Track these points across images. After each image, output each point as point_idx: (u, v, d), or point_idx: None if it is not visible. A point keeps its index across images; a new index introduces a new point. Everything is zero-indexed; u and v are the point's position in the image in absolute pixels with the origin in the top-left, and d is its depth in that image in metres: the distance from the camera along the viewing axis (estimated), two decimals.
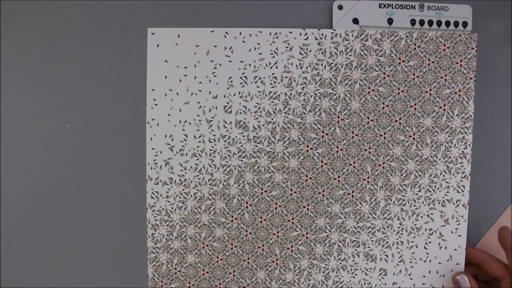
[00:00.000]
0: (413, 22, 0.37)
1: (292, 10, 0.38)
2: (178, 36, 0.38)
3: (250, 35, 0.37)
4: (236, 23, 0.38)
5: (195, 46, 0.37)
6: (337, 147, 0.38)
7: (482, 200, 0.38)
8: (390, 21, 0.37)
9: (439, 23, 0.37)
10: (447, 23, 0.37)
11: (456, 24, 0.37)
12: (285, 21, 0.38)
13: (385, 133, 0.37)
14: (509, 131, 0.38)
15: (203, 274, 0.39)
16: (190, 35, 0.37)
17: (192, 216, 0.39)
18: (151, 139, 0.38)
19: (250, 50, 0.37)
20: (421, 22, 0.37)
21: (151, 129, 0.38)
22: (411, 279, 0.39)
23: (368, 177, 0.38)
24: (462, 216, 0.38)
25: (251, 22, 0.38)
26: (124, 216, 0.39)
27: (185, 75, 0.38)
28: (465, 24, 0.37)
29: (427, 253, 0.38)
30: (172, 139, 0.38)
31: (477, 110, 0.38)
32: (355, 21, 0.37)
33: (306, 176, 0.38)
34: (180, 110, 0.38)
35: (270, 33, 0.37)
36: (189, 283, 0.39)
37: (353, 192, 0.38)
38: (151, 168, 0.38)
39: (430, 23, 0.37)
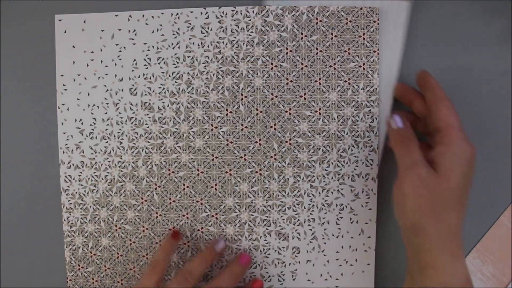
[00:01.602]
0: None
1: None
2: (84, 22, 0.38)
3: (153, 17, 0.38)
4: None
5: (101, 31, 0.38)
6: (242, 125, 0.37)
7: (482, 200, 0.38)
8: None
9: None
10: None
11: None
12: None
13: (290, 109, 0.37)
14: (509, 131, 0.37)
15: (118, 257, 0.39)
16: (96, 20, 0.38)
17: (104, 199, 0.39)
18: (62, 123, 0.39)
19: (153, 32, 0.38)
20: None
21: (61, 114, 0.39)
22: (324, 255, 0.38)
23: (275, 155, 0.37)
24: (372, 190, 0.37)
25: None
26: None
27: (92, 60, 0.38)
28: None
29: (339, 229, 0.38)
30: (82, 123, 0.39)
31: (477, 110, 0.38)
32: None
33: (212, 155, 0.38)
34: (89, 94, 0.38)
35: (172, 14, 0.37)
36: (105, 266, 0.39)
37: (260, 170, 0.38)
38: (63, 152, 0.39)
39: None
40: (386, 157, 0.38)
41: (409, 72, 0.37)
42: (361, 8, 0.36)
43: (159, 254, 0.36)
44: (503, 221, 0.38)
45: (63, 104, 0.39)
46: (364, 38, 0.37)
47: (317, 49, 0.37)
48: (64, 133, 0.39)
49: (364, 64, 0.37)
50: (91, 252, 0.39)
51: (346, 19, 0.37)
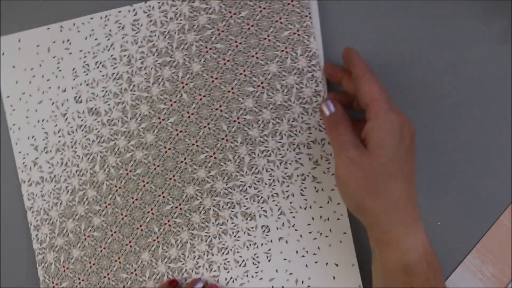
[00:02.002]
0: None
1: None
2: (19, 40, 0.39)
3: (83, 23, 0.38)
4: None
5: (36, 46, 0.39)
6: (188, 112, 0.37)
7: (482, 200, 0.37)
8: None
9: None
10: None
11: None
12: None
13: (232, 88, 0.37)
14: (509, 131, 0.37)
15: (91, 267, 0.39)
16: (29, 37, 0.39)
17: (68, 210, 0.39)
18: (16, 143, 0.39)
19: (86, 38, 0.38)
20: None
21: (14, 134, 0.39)
22: (296, 230, 0.37)
23: (226, 136, 0.37)
24: (331, 154, 0.37)
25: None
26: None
27: (33, 76, 0.39)
28: None
29: (305, 200, 0.37)
30: (35, 140, 0.39)
31: (477, 110, 0.38)
32: None
33: (165, 147, 0.38)
34: (36, 110, 0.39)
35: (101, 17, 0.38)
36: (79, 279, 0.39)
37: (214, 153, 0.37)
38: (22, 171, 0.39)
39: None
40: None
41: (409, 73, 0.37)
42: None
43: None
44: (503, 221, 0.37)
45: (14, 124, 0.39)
46: (293, 5, 0.36)
47: (248, 24, 0.37)
48: (19, 152, 0.39)
49: (298, 30, 0.36)
50: (63, 267, 0.39)
51: None
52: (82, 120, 0.38)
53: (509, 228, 0.37)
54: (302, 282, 0.37)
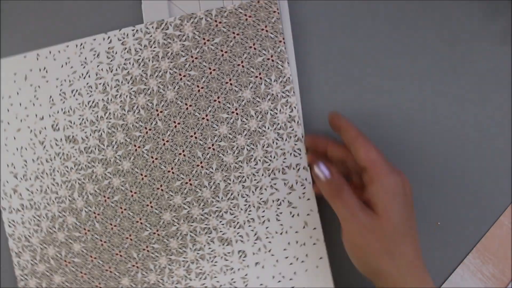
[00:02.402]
0: None
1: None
2: None
3: (59, 51, 0.38)
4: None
5: (13, 74, 0.39)
6: (163, 139, 0.37)
7: (482, 200, 0.38)
8: None
9: None
10: None
11: None
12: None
13: (207, 115, 0.37)
14: (509, 131, 0.37)
15: None
16: (6, 64, 0.39)
17: (49, 237, 0.39)
18: None
19: (62, 66, 0.38)
20: None
21: None
22: (272, 255, 0.37)
23: (201, 162, 0.37)
24: (306, 179, 0.37)
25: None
26: None
27: (11, 104, 0.39)
28: None
29: (281, 225, 0.37)
30: (14, 167, 0.39)
31: (477, 110, 0.38)
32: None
33: (141, 174, 0.38)
34: (15, 138, 0.39)
35: (77, 45, 0.38)
36: None
37: (190, 180, 0.38)
38: (2, 198, 0.40)
39: None
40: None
41: (410, 73, 0.37)
42: (258, 1, 0.36)
43: None
44: (503, 221, 0.37)
45: None
46: (267, 30, 0.36)
47: (221, 50, 0.37)
48: None
49: (272, 56, 0.36)
50: None
51: (245, 15, 0.36)
52: (60, 147, 0.39)
53: (509, 228, 0.37)
54: None
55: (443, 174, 0.37)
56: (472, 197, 0.37)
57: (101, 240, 0.39)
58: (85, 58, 0.38)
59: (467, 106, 0.37)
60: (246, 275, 0.38)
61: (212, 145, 0.37)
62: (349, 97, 0.38)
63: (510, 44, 0.37)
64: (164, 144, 0.37)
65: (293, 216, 0.37)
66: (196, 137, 0.37)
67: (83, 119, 0.38)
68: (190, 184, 0.38)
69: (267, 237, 0.37)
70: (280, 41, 0.36)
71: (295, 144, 0.37)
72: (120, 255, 0.39)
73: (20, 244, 0.40)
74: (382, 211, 0.29)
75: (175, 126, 0.37)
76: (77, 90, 0.38)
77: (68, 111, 0.38)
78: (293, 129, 0.37)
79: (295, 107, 0.36)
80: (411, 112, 0.38)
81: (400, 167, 0.37)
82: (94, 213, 0.39)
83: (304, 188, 0.37)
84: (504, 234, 0.37)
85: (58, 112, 0.38)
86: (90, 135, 0.38)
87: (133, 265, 0.39)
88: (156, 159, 0.38)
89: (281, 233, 0.37)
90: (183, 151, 0.37)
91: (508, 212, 0.37)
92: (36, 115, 0.39)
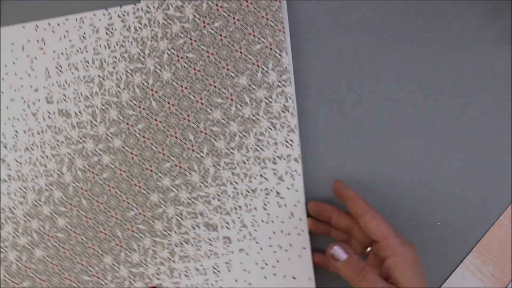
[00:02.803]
0: None
1: None
2: None
3: (58, 24, 0.38)
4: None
5: (11, 44, 0.39)
6: (156, 120, 0.37)
7: (482, 200, 0.38)
8: None
9: None
10: None
11: None
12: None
13: (201, 99, 0.37)
14: (509, 131, 0.37)
15: (52, 267, 0.39)
16: (4, 33, 0.39)
17: (34, 210, 0.39)
18: None
19: (60, 39, 0.38)
20: None
21: None
22: (257, 242, 0.37)
23: (192, 146, 0.37)
24: (296, 171, 0.37)
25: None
26: None
27: (6, 73, 0.39)
28: None
29: (268, 214, 0.37)
30: (4, 137, 0.39)
31: (477, 110, 0.38)
32: None
33: (132, 153, 0.38)
34: (8, 108, 0.39)
35: (76, 19, 0.38)
36: (40, 279, 0.39)
37: (180, 163, 0.37)
38: None
39: None
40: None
41: (409, 73, 0.37)
42: None
43: None
44: (503, 221, 0.37)
45: None
46: (267, 18, 0.36)
47: (221, 35, 0.37)
48: None
49: (271, 44, 0.36)
50: (25, 266, 0.39)
51: (247, 1, 0.36)
52: (52, 120, 0.38)
53: (509, 228, 0.37)
54: None
55: (443, 174, 0.37)
56: (472, 197, 0.37)
57: (86, 217, 0.39)
58: (84, 33, 0.38)
59: (467, 106, 0.37)
60: (230, 260, 0.37)
61: (205, 129, 0.37)
62: (345, 92, 0.38)
63: (510, 44, 0.37)
64: (156, 124, 0.37)
65: (280, 206, 0.37)
66: (189, 120, 0.37)
67: (77, 93, 0.38)
68: (180, 167, 0.37)
69: (253, 225, 0.37)
70: (279, 30, 0.36)
71: (288, 135, 0.36)
72: (105, 233, 0.39)
73: (3, 215, 0.39)
74: (404, 283, 0.30)
75: (169, 108, 0.37)
76: (73, 64, 0.38)
77: (63, 85, 0.38)
78: (286, 119, 0.36)
79: (290, 98, 0.36)
80: (410, 110, 0.37)
81: (400, 165, 0.37)
82: (82, 189, 0.38)
83: (294, 179, 0.37)
84: (504, 234, 0.37)
85: (53, 84, 0.38)
86: (84, 110, 0.38)
87: (117, 244, 0.38)
88: (147, 139, 0.37)
89: (267, 222, 0.37)
90: (175, 133, 0.37)
91: (508, 212, 0.37)
92: (30, 86, 0.39)
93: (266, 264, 0.37)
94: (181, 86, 0.37)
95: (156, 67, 0.37)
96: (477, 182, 0.37)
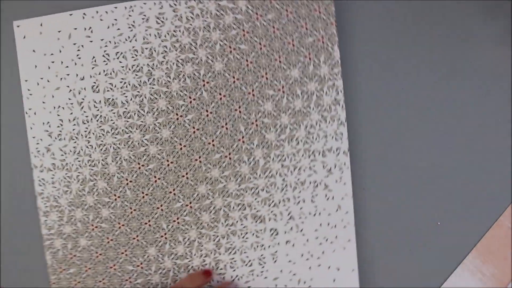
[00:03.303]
0: None
1: None
2: (41, 25, 0.38)
3: (107, 12, 0.37)
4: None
5: (58, 32, 0.38)
6: (207, 110, 0.37)
7: (482, 200, 0.38)
8: None
9: None
10: None
11: None
12: None
13: (253, 90, 0.37)
14: (509, 131, 0.37)
15: (97, 256, 0.39)
16: (52, 21, 0.38)
17: (78, 199, 0.39)
18: (31, 128, 0.39)
19: (108, 27, 0.38)
20: None
21: (29, 118, 0.39)
22: (303, 235, 0.37)
23: (243, 137, 0.37)
24: (345, 164, 0.37)
25: None
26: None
27: (53, 62, 0.38)
28: None
29: (315, 206, 0.37)
30: (49, 126, 0.39)
31: (477, 110, 0.37)
32: None
33: (180, 144, 0.38)
34: (53, 96, 0.38)
35: (126, 7, 0.37)
36: (86, 267, 0.39)
37: (230, 154, 0.37)
38: (35, 156, 0.39)
39: None
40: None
41: (408, 73, 0.37)
42: None
43: (184, 282, 0.36)
44: (503, 221, 0.38)
45: (30, 109, 0.39)
46: (320, 12, 0.36)
47: (273, 27, 0.36)
48: (33, 137, 0.39)
49: (322, 37, 0.36)
50: (70, 254, 0.39)
51: None
52: (98, 110, 0.38)
53: (509, 228, 0.37)
54: (304, 282, 0.37)
55: (443, 174, 0.38)
56: (472, 197, 0.38)
57: (130, 208, 0.38)
58: (134, 22, 0.37)
59: (467, 105, 0.37)
60: (276, 252, 0.38)
61: (256, 120, 0.37)
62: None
63: (510, 44, 0.37)
64: (207, 115, 0.37)
65: (327, 199, 0.37)
66: (240, 112, 0.37)
67: (125, 82, 0.38)
68: (230, 158, 0.37)
69: (300, 218, 0.37)
70: (331, 24, 0.36)
71: (338, 128, 0.37)
72: (149, 225, 0.38)
73: (48, 203, 0.39)
74: None
75: (220, 99, 0.37)
76: (121, 53, 0.38)
77: (110, 73, 0.38)
78: (337, 113, 0.37)
79: (341, 91, 0.36)
80: (411, 109, 0.38)
81: (399, 164, 0.37)
82: (127, 179, 0.38)
83: (342, 172, 0.37)
84: (504, 234, 0.37)
85: (99, 73, 0.38)
86: (131, 99, 0.38)
87: (162, 236, 0.38)
88: (197, 129, 0.37)
89: (314, 215, 0.37)
90: (226, 124, 0.37)
91: (508, 212, 0.38)
92: (77, 75, 0.38)
93: (311, 255, 0.38)
94: (233, 77, 0.37)
95: (208, 57, 0.37)
96: (477, 182, 0.38)
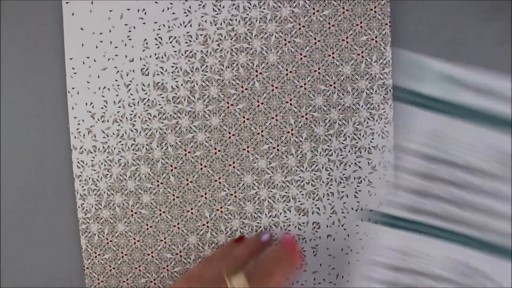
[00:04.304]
0: None
1: None
2: (92, 3, 0.37)
3: None
4: None
5: (109, 11, 0.37)
6: (258, 101, 0.37)
7: None
8: None
9: None
10: None
11: None
12: None
13: (305, 84, 0.37)
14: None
15: (135, 243, 0.38)
16: (103, 0, 0.37)
17: (118, 184, 0.38)
18: (73, 108, 0.38)
19: (163, 11, 0.37)
20: None
21: (72, 98, 0.38)
22: (344, 229, 0.38)
23: (292, 130, 0.37)
24: (389, 162, 0.38)
25: None
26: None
27: (101, 41, 0.37)
28: None
29: (358, 202, 0.38)
30: (93, 107, 0.38)
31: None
32: None
33: (229, 133, 0.37)
34: (99, 77, 0.38)
35: None
36: (122, 253, 0.38)
37: (278, 146, 0.37)
38: (75, 137, 0.38)
39: None
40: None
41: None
42: None
43: (242, 249, 0.35)
44: None
45: (73, 88, 0.38)
46: (375, 11, 0.37)
47: (329, 23, 0.37)
48: (75, 117, 0.38)
49: (376, 37, 0.37)
50: (107, 239, 0.38)
51: None
52: (146, 93, 0.37)
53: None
54: (342, 277, 0.38)
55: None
56: None
57: (173, 195, 0.38)
58: (189, 7, 0.37)
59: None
60: (316, 245, 0.38)
61: (306, 114, 0.37)
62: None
63: (510, 44, 0.37)
64: (258, 106, 0.37)
65: (370, 195, 0.38)
66: (291, 104, 0.37)
67: (176, 67, 0.37)
68: (277, 150, 0.37)
69: (342, 212, 0.38)
70: (386, 24, 0.37)
71: (385, 126, 0.37)
72: (191, 213, 0.38)
73: (86, 186, 0.38)
74: None
75: (272, 90, 0.37)
76: (175, 37, 0.37)
77: (162, 57, 0.37)
78: (385, 111, 0.37)
79: (390, 90, 0.37)
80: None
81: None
82: (171, 166, 0.38)
83: (386, 170, 0.38)
84: None
85: (150, 56, 0.37)
86: (182, 85, 0.37)
87: (203, 224, 0.38)
88: (247, 119, 0.37)
89: (356, 210, 0.38)
90: (276, 115, 0.37)
91: None
92: (126, 56, 0.37)
93: (351, 250, 0.38)
94: (286, 70, 0.37)
95: (262, 48, 0.37)
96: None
